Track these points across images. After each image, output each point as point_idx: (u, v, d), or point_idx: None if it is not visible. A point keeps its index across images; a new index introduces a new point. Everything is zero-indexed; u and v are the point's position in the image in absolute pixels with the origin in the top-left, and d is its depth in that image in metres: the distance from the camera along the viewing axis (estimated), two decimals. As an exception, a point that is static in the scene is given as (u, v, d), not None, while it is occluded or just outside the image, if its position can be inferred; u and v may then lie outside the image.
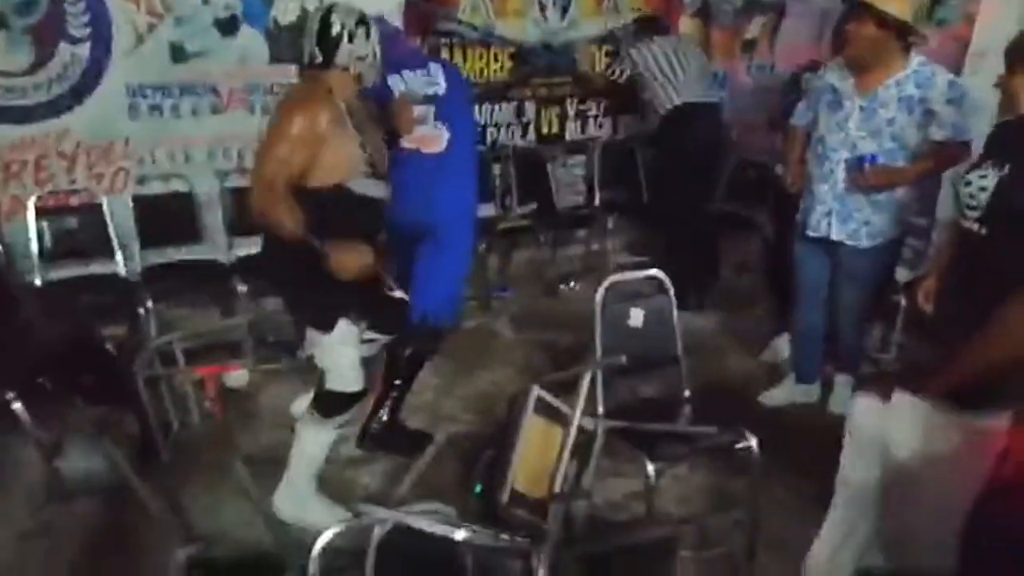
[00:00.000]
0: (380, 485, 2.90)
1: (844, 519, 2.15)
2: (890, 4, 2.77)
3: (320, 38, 2.36)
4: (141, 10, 3.72)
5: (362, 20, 2.42)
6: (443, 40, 4.43)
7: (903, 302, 3.59)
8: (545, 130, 4.93)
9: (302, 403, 2.90)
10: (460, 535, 1.68)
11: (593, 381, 2.43)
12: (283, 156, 2.29)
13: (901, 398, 1.99)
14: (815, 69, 3.44)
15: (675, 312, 2.75)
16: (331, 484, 2.79)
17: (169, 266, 3.85)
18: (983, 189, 2.34)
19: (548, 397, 2.41)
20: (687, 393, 2.77)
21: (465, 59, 4.53)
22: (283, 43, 3.98)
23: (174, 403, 3.22)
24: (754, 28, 4.91)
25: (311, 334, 2.53)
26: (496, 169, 4.74)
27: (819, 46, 4.59)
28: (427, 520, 1.67)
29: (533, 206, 4.79)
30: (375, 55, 2.46)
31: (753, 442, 2.45)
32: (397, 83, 2.97)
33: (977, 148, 2.90)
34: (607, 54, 4.94)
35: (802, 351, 3.46)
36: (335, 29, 2.36)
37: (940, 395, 1.90)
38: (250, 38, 3.97)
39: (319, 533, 1.80)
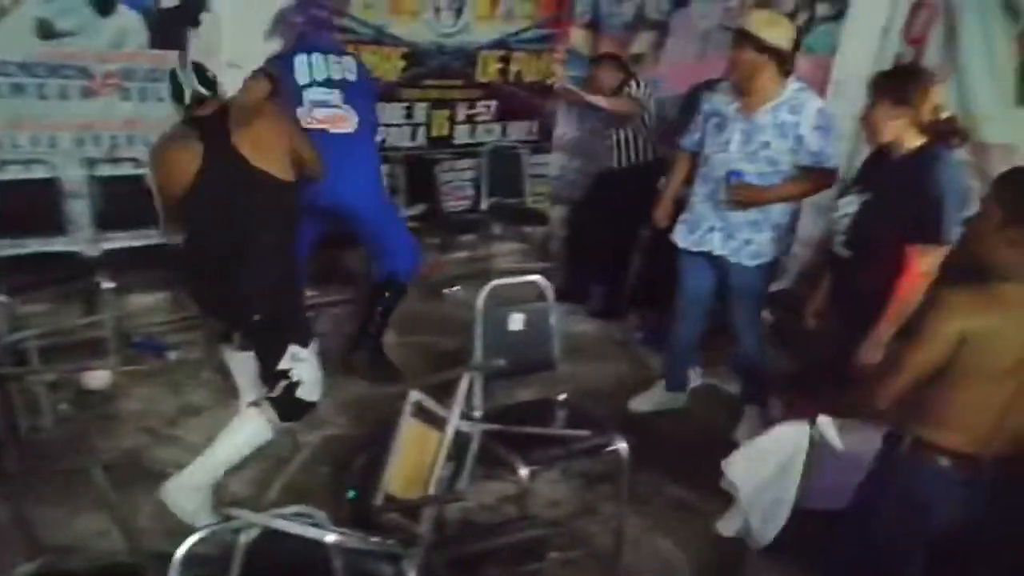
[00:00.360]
0: (249, 491, 2.81)
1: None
2: (767, 31, 2.88)
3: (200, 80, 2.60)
4: (5, -19, 3.47)
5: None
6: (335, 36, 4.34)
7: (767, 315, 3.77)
8: (435, 133, 4.91)
9: (181, 482, 2.58)
10: (330, 538, 1.64)
11: (471, 384, 2.45)
12: None
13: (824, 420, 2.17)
14: (712, 87, 3.54)
15: (553, 317, 2.80)
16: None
17: (25, 258, 3.57)
18: (846, 215, 2.55)
19: (426, 400, 2.41)
20: (562, 397, 2.83)
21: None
22: (165, 27, 3.79)
23: (26, 406, 3.00)
24: (641, 43, 5.05)
25: (294, 350, 2.61)
26: (385, 170, 4.67)
27: (702, 64, 4.77)
28: (297, 524, 1.62)
29: (421, 208, 4.79)
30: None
31: (622, 446, 2.54)
32: (302, 63, 3.27)
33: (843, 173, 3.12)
34: (500, 59, 4.98)
35: (675, 360, 3.55)
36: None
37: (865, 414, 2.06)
38: (128, 19, 3.77)
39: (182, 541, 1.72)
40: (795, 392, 2.92)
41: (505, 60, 5.04)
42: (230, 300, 2.64)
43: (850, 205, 2.57)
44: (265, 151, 2.56)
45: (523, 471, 2.37)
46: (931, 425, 1.80)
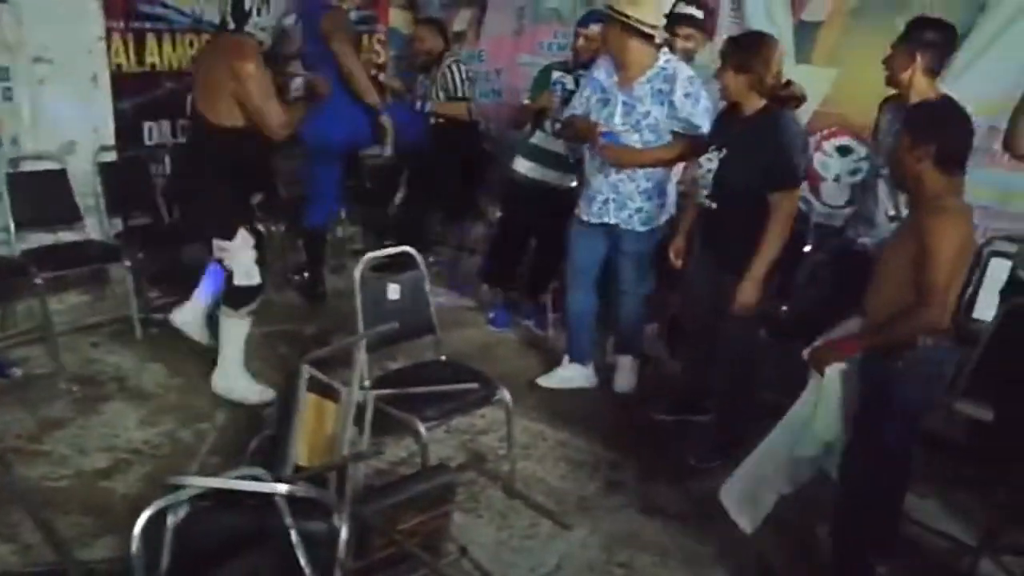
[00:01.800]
0: (139, 490, 2.74)
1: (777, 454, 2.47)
2: (631, 9, 3.04)
3: (234, 8, 3.03)
4: None
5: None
6: (147, 25, 4.17)
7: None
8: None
9: (183, 312, 3.53)
10: (282, 489, 1.73)
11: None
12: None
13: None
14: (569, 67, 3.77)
15: (427, 284, 2.95)
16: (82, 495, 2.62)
17: None
18: (709, 171, 2.87)
19: (318, 374, 2.49)
20: (443, 358, 3.00)
21: (175, 46, 4.31)
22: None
23: None
24: (460, 21, 5.23)
25: (218, 243, 3.14)
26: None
27: (517, 39, 5.04)
28: (248, 482, 1.69)
29: (258, 198, 4.71)
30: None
31: (506, 393, 2.75)
32: None
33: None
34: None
35: (575, 331, 3.63)
36: (247, 4, 3.03)
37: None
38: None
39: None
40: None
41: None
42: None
43: (711, 161, 2.88)
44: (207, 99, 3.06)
45: (421, 428, 2.52)
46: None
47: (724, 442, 3.04)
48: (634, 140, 3.19)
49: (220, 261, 3.22)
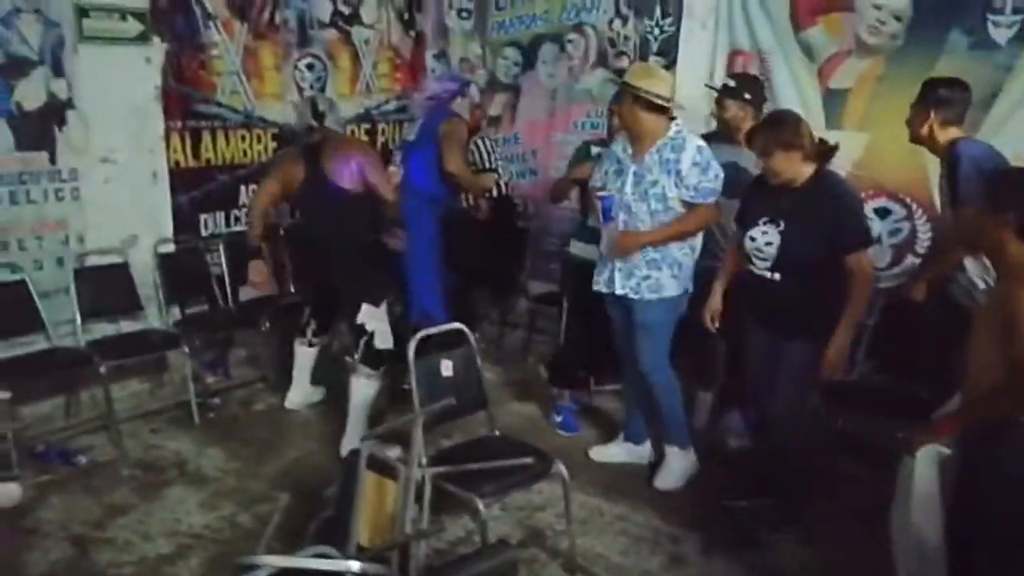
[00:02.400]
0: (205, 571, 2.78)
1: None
2: (644, 82, 3.11)
3: (314, 113, 3.70)
4: None
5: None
6: (203, 123, 4.42)
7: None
8: (313, 207, 5.03)
9: (294, 395, 4.11)
10: (354, 567, 1.76)
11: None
12: None
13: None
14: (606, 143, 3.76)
15: (478, 360, 3.01)
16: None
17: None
18: (769, 244, 2.88)
19: (377, 452, 2.54)
20: (497, 433, 3.03)
21: (228, 141, 4.54)
22: (30, 129, 3.73)
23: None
24: (496, 106, 5.44)
25: (366, 308, 3.62)
26: (269, 248, 4.74)
27: (551, 119, 5.22)
28: (323, 561, 1.73)
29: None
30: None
31: (562, 469, 2.76)
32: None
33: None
34: (366, 132, 5.22)
35: (626, 408, 3.65)
36: (320, 107, 3.73)
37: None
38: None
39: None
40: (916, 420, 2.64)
41: (371, 132, 5.27)
42: (319, 273, 3.83)
43: (765, 235, 2.88)
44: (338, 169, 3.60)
45: (480, 505, 2.53)
46: None
47: (787, 514, 3.00)
48: (642, 209, 3.17)
49: (362, 326, 3.63)
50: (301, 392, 4.15)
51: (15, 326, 3.69)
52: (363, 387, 3.65)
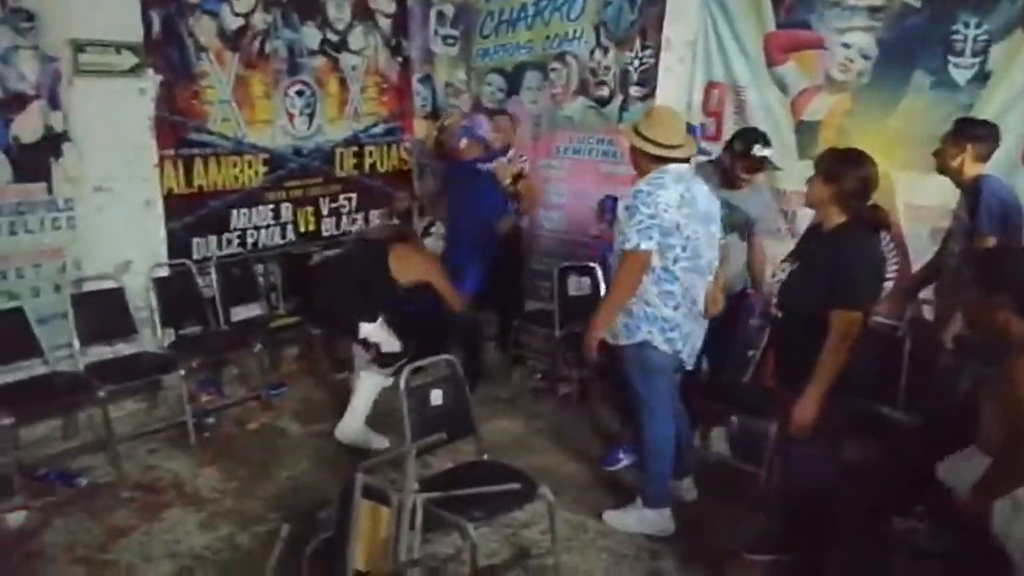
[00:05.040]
0: (205, 598, 2.91)
1: None
2: (642, 126, 3.17)
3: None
4: None
5: None
6: (195, 151, 4.53)
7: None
8: (303, 228, 5.17)
9: (344, 426, 4.05)
10: None
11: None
12: None
13: None
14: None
15: (466, 388, 3.16)
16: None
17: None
18: (780, 280, 2.87)
19: (371, 480, 2.68)
20: (485, 457, 3.19)
21: (220, 167, 4.66)
22: (27, 161, 3.84)
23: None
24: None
25: (364, 327, 3.84)
26: (260, 269, 4.88)
27: (535, 144, 5.37)
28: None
29: (297, 301, 5.00)
30: None
31: (548, 493, 2.92)
32: None
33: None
34: (353, 154, 5.36)
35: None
36: None
37: None
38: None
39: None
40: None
41: (359, 155, 5.41)
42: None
43: (783, 272, 2.88)
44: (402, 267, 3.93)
45: (471, 528, 2.68)
46: None
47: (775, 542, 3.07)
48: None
49: (365, 340, 3.89)
50: (356, 427, 4.01)
51: (13, 351, 3.79)
52: (368, 379, 3.98)
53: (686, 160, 3.24)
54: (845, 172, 2.70)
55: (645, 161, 3.17)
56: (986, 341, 2.09)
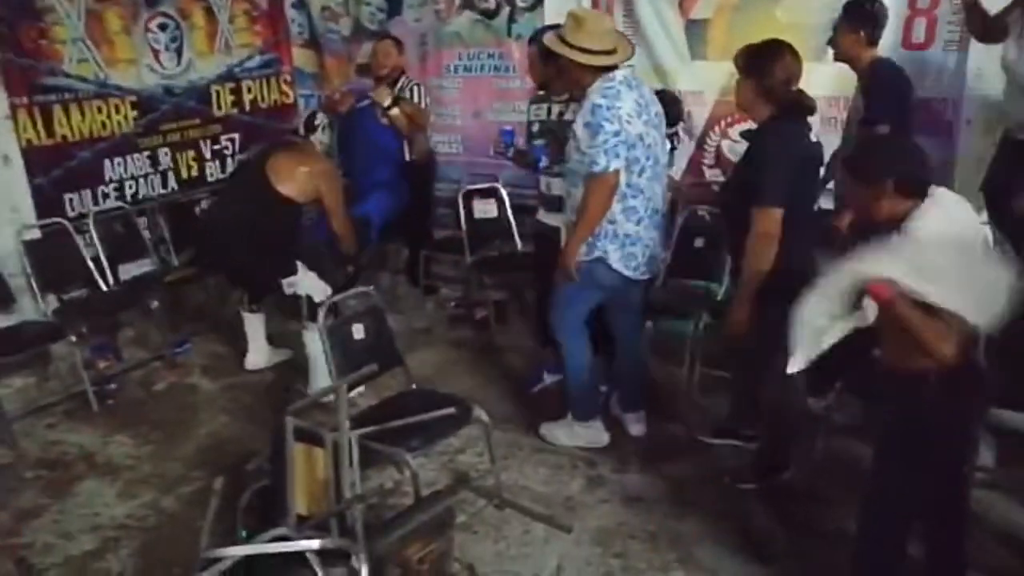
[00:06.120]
0: (135, 565, 2.76)
1: None
2: (570, 36, 2.90)
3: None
4: None
5: None
6: (52, 97, 4.12)
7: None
8: (185, 175, 4.83)
9: (257, 356, 4.13)
10: (314, 545, 1.83)
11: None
12: None
13: None
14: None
15: (390, 319, 3.06)
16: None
17: None
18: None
19: (302, 423, 2.58)
20: (414, 386, 3.12)
21: (83, 114, 4.26)
22: None
23: None
24: (363, 54, 5.31)
25: (286, 281, 3.66)
26: (144, 223, 4.55)
27: (423, 64, 5.16)
28: (282, 543, 1.79)
29: (189, 254, 4.71)
30: None
31: (483, 414, 2.89)
32: None
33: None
34: (231, 91, 5.01)
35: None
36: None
37: None
38: None
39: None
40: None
41: (236, 91, 5.07)
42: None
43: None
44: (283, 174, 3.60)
45: (410, 459, 2.63)
46: None
47: (761, 468, 3.01)
48: (570, 178, 3.05)
49: (294, 295, 3.71)
50: (262, 353, 4.15)
51: None
52: (313, 340, 3.63)
53: (625, 65, 3.01)
54: (764, 64, 2.65)
55: (582, 73, 2.93)
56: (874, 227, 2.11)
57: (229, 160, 5.06)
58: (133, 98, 4.50)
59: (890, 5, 3.56)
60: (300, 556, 2.01)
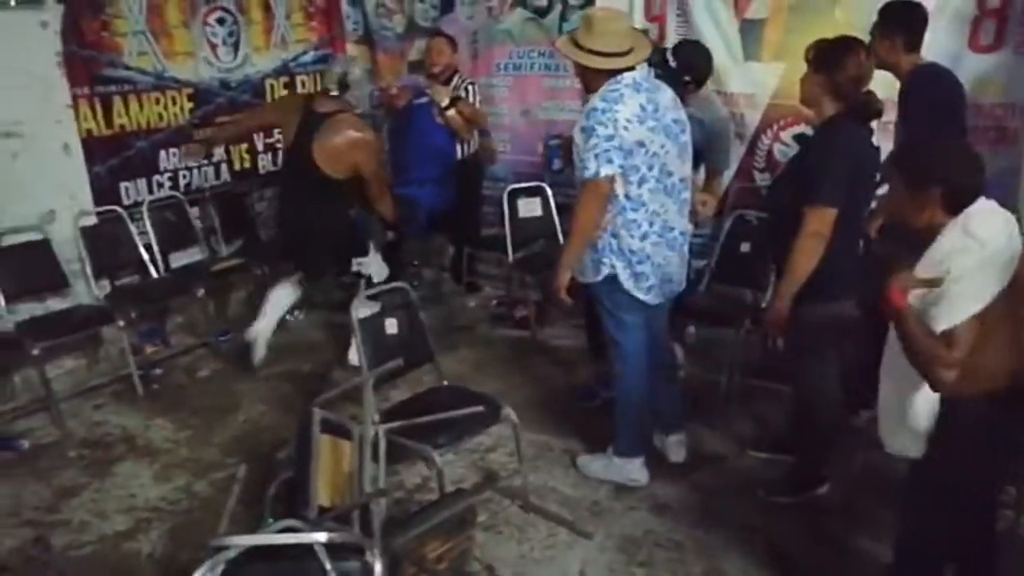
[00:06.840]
0: (165, 548, 2.81)
1: None
2: (582, 38, 2.77)
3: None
4: None
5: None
6: (112, 88, 4.24)
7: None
8: (237, 167, 4.92)
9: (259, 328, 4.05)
10: (321, 538, 1.82)
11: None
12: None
13: None
14: None
15: (422, 315, 3.05)
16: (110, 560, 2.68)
17: None
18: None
19: (329, 415, 2.58)
20: (445, 383, 3.11)
21: (141, 105, 4.37)
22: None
23: None
24: (416, 51, 5.33)
25: (360, 260, 3.98)
26: (196, 212, 4.64)
27: (474, 63, 5.16)
28: (289, 535, 1.79)
29: (238, 244, 4.80)
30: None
31: (512, 414, 2.86)
32: None
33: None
34: (285, 85, 5.09)
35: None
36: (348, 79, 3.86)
37: None
38: None
39: None
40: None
41: (290, 86, 5.14)
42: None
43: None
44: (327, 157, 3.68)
45: (436, 456, 2.62)
46: None
47: (797, 482, 2.93)
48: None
49: (358, 273, 3.99)
50: (269, 329, 4.06)
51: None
52: (284, 292, 4.03)
53: (640, 65, 2.86)
54: (837, 60, 2.54)
55: (592, 76, 2.77)
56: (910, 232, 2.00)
57: (281, 153, 5.12)
58: (190, 90, 4.59)
59: (957, 6, 3.42)
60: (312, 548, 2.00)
